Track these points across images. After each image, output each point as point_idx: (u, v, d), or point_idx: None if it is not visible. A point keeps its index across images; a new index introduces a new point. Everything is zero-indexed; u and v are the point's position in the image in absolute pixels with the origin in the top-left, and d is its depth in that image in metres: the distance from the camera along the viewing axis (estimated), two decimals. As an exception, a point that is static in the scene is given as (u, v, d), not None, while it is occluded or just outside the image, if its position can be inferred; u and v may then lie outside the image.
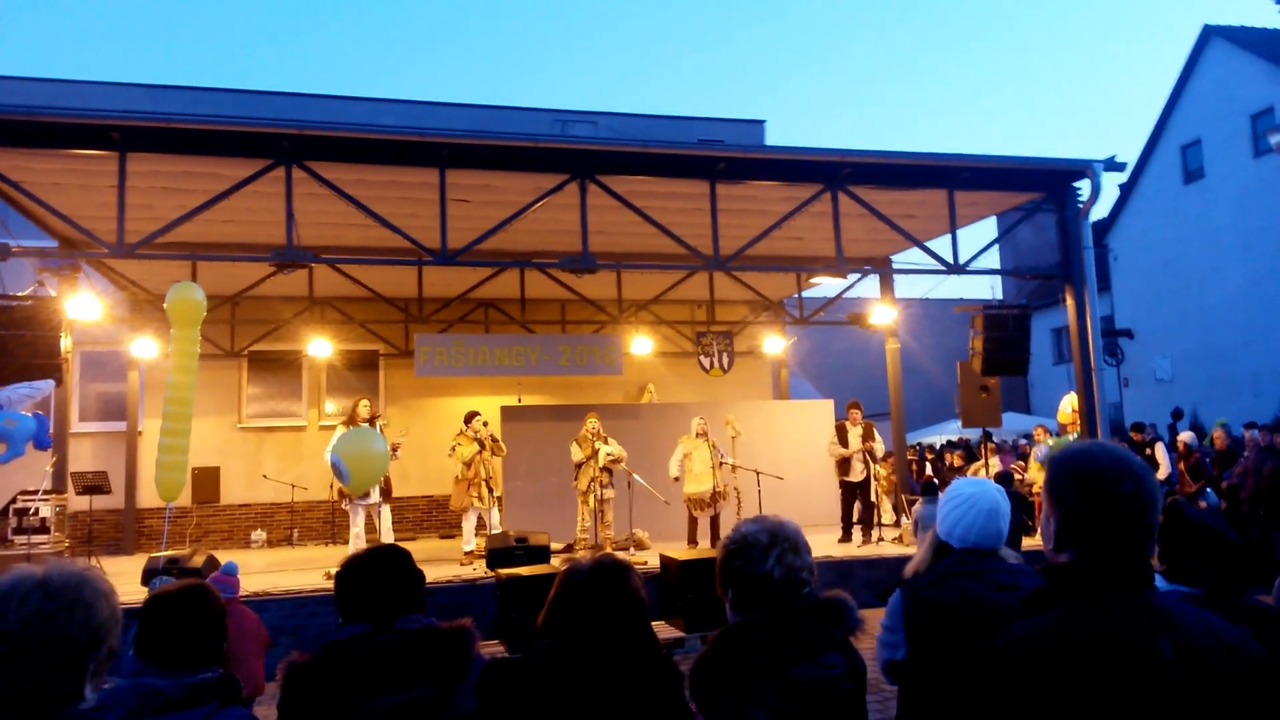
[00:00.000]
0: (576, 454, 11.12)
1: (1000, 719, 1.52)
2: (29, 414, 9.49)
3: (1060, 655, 1.51)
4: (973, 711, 1.57)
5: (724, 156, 9.68)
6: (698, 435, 11.27)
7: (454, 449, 11.03)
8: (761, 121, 19.14)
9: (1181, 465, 11.64)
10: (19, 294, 8.52)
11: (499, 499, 10.97)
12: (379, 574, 2.42)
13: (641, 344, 14.89)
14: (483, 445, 10.92)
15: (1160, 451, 11.48)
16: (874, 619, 2.63)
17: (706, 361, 14.98)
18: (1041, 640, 1.54)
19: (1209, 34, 22.47)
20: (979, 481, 2.86)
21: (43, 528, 10.43)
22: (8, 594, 1.59)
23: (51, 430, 11.48)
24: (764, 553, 2.26)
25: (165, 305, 8.63)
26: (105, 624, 1.64)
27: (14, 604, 1.58)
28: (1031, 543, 10.76)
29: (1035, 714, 1.49)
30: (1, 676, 1.53)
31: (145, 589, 7.29)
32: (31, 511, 10.46)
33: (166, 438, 8.60)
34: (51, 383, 8.63)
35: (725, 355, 15.05)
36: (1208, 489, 11.28)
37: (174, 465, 8.61)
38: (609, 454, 10.94)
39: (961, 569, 2.67)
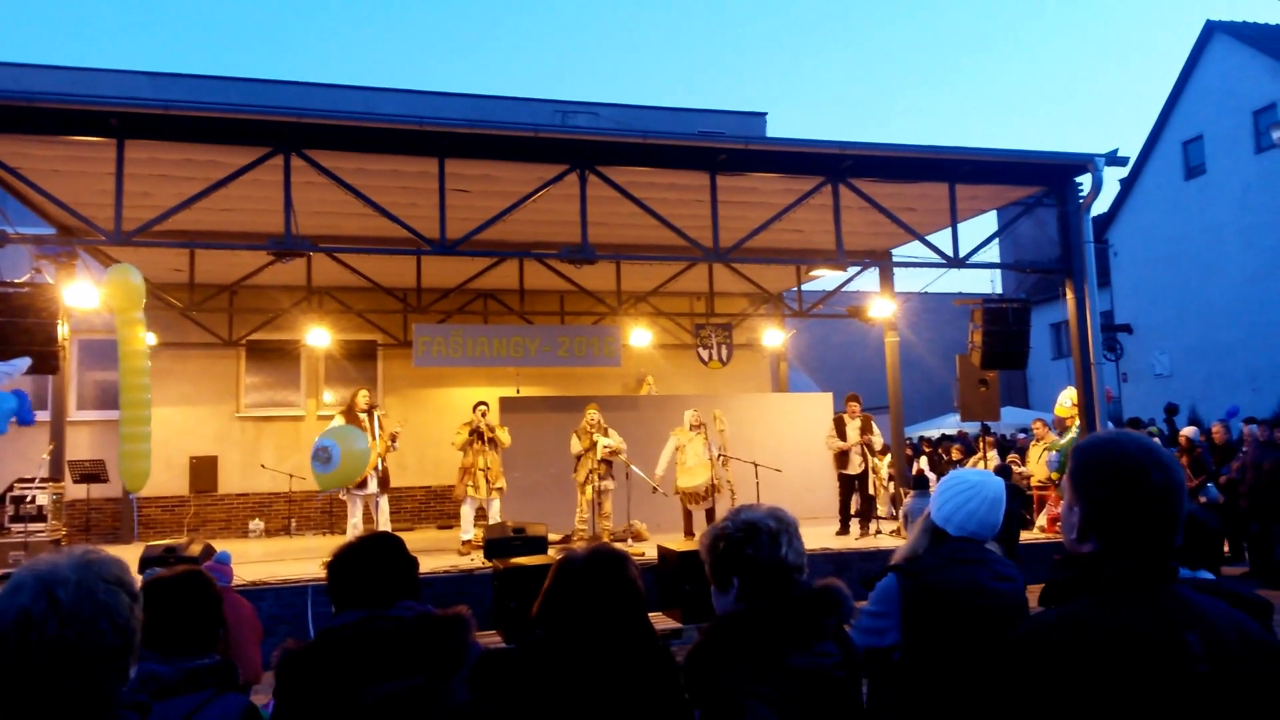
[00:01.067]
0: (575, 446, 11.09)
1: (1022, 712, 1.49)
2: (8, 391, 9.29)
3: (1087, 648, 1.48)
4: (990, 703, 1.55)
5: (725, 148, 9.64)
6: (691, 428, 11.24)
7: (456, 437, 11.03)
8: (763, 114, 19.08)
9: (1184, 460, 11.63)
10: (16, 281, 8.50)
11: (499, 490, 10.91)
12: (371, 561, 2.41)
13: (640, 336, 14.87)
14: (481, 435, 10.88)
15: (1157, 446, 11.46)
16: (866, 609, 2.63)
17: (705, 354, 14.97)
18: (1067, 632, 1.51)
19: (1212, 29, 22.43)
20: (982, 471, 2.87)
21: (40, 516, 10.41)
22: (23, 624, 1.44)
23: (50, 414, 11.54)
24: (774, 539, 2.23)
25: (100, 288, 8.40)
26: (131, 617, 1.56)
27: (33, 634, 1.44)
28: (1029, 536, 10.78)
29: (1060, 708, 1.46)
30: (45, 691, 1.43)
31: (141, 578, 7.28)
32: (28, 499, 10.45)
33: (126, 426, 8.40)
34: (28, 360, 8.42)
35: (724, 348, 15.03)
36: (1209, 484, 11.28)
37: (136, 454, 8.39)
38: (606, 446, 10.91)
39: (964, 555, 2.66)
